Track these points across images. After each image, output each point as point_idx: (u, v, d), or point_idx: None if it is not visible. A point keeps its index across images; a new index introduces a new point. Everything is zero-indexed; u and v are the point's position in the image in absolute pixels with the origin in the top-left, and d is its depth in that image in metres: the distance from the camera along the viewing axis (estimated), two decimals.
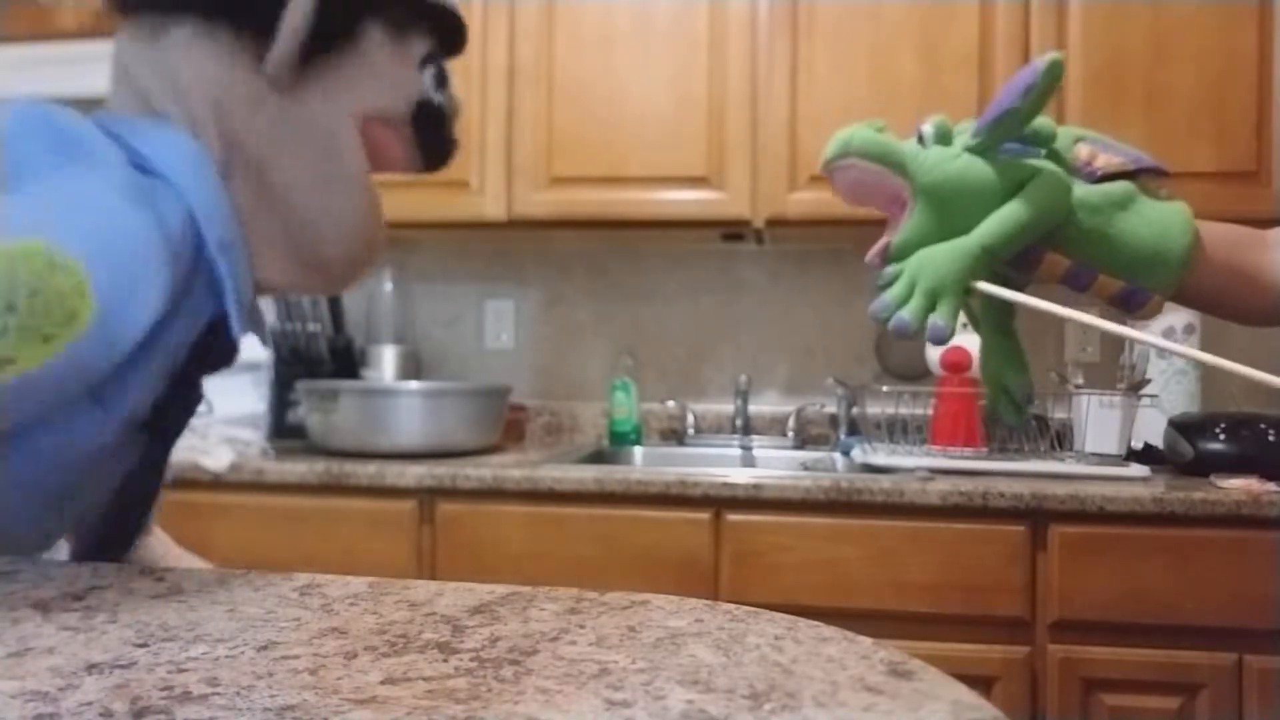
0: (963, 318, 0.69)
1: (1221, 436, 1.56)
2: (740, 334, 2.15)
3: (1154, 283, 0.61)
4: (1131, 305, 0.63)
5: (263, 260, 0.64)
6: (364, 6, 0.64)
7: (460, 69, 1.86)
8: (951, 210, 0.61)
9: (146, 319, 0.53)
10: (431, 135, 0.69)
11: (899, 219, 0.63)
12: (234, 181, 0.62)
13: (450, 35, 0.70)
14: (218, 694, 0.35)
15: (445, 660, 0.39)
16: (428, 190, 1.87)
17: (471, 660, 0.39)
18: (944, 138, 0.63)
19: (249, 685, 0.36)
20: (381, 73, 0.65)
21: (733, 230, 1.89)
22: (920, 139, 0.64)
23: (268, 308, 1.99)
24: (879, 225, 0.71)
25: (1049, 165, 0.62)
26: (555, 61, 1.86)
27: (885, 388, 1.79)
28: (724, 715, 0.33)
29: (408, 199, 1.87)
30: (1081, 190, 0.62)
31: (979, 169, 0.61)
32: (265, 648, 0.41)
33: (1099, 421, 1.62)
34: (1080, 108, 1.71)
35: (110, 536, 0.68)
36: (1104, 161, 0.62)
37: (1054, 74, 0.58)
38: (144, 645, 0.41)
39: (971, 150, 0.62)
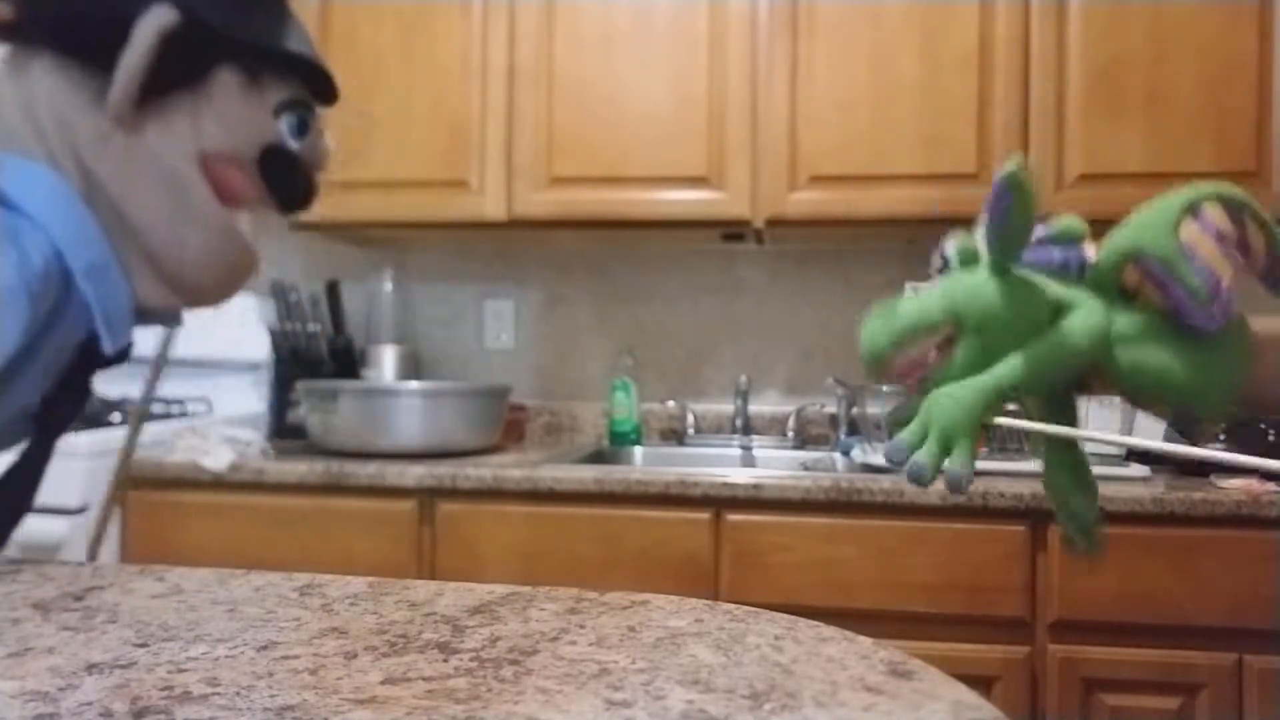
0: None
1: (1221, 437, 1.56)
2: (740, 334, 2.15)
3: (1202, 412, 0.58)
4: (1187, 428, 0.62)
5: (137, 281, 0.67)
6: (213, 52, 0.65)
7: (460, 69, 1.86)
8: (1000, 341, 0.58)
9: (5, 354, 0.58)
10: (280, 179, 0.70)
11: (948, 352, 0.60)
12: (97, 211, 0.64)
13: (320, 85, 0.72)
14: (218, 694, 0.35)
15: (445, 660, 0.39)
16: (428, 190, 1.87)
17: (471, 660, 0.39)
18: (968, 258, 0.60)
19: (249, 685, 0.36)
20: (227, 115, 0.66)
21: (733, 230, 1.88)
22: (944, 262, 0.61)
23: (267, 309, 1.99)
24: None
25: (1085, 299, 0.58)
26: (555, 61, 1.85)
27: (885, 388, 1.79)
28: (724, 715, 0.33)
29: (408, 199, 1.87)
30: (1121, 322, 0.58)
31: (1019, 295, 0.58)
32: (265, 648, 0.41)
33: (1099, 421, 1.62)
34: (1080, 108, 1.71)
35: None
36: (1149, 292, 0.57)
37: (1017, 186, 0.55)
38: (144, 645, 0.41)
39: (994, 268, 0.59)
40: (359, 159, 1.86)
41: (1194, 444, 0.59)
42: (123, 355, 0.71)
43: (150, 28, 0.61)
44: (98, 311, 0.63)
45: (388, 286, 2.16)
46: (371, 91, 1.88)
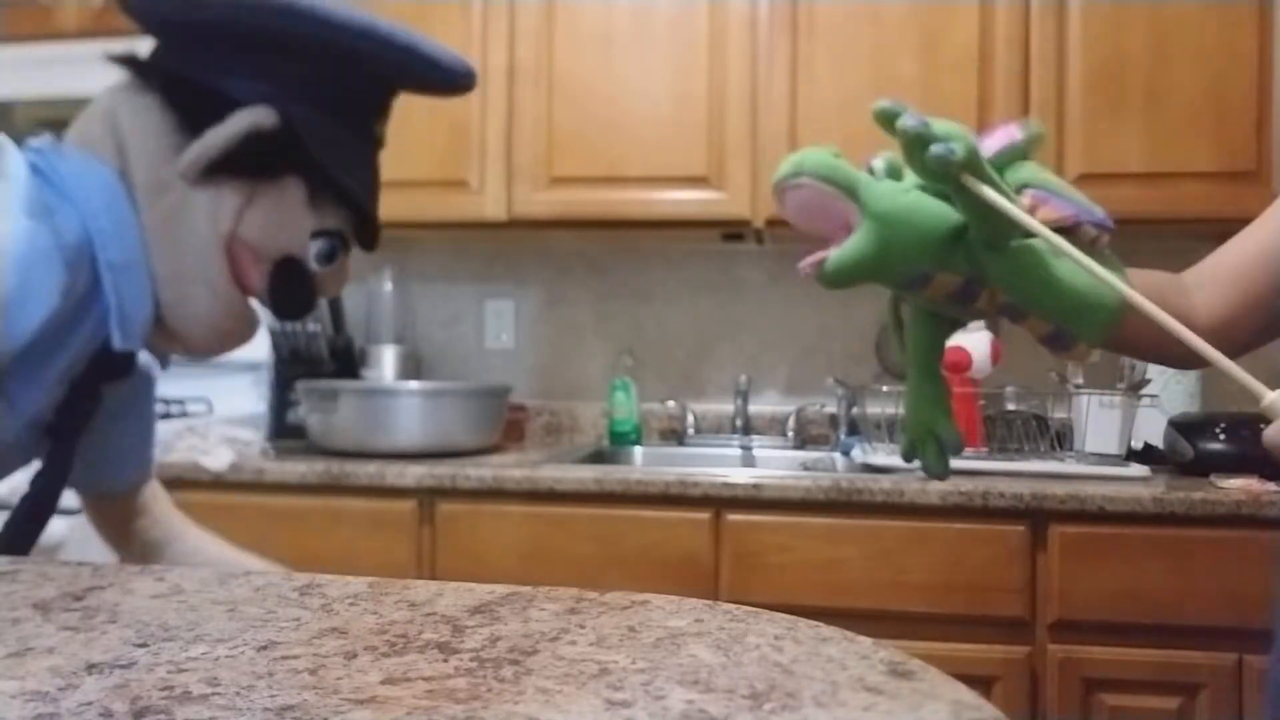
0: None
1: (1221, 436, 1.56)
2: (740, 334, 2.15)
3: (1081, 332, 0.62)
4: (1059, 346, 0.64)
5: None
6: (291, 161, 0.70)
7: None
8: (895, 241, 0.61)
9: (41, 312, 0.61)
10: (286, 289, 0.74)
11: (842, 240, 0.63)
12: None
13: (367, 230, 0.77)
14: (218, 694, 0.35)
15: (445, 660, 0.39)
16: (428, 190, 1.87)
17: (471, 660, 0.39)
18: (894, 174, 0.65)
19: (249, 685, 0.36)
20: (274, 216, 0.70)
21: (733, 230, 1.88)
22: (870, 173, 0.65)
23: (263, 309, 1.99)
24: None
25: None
26: (555, 61, 1.85)
27: (885, 388, 1.79)
28: (724, 715, 0.33)
29: (408, 199, 1.87)
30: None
31: (931, 206, 0.62)
32: (265, 648, 0.41)
33: (1099, 421, 1.62)
34: (1080, 108, 1.71)
35: (16, 534, 0.74)
36: (1044, 214, 0.62)
37: (1032, 143, 0.61)
38: (144, 645, 0.41)
39: (923, 189, 0.63)
40: None
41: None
42: (129, 367, 0.75)
43: (246, 119, 0.66)
44: (114, 306, 0.66)
45: (388, 286, 2.16)
46: None
